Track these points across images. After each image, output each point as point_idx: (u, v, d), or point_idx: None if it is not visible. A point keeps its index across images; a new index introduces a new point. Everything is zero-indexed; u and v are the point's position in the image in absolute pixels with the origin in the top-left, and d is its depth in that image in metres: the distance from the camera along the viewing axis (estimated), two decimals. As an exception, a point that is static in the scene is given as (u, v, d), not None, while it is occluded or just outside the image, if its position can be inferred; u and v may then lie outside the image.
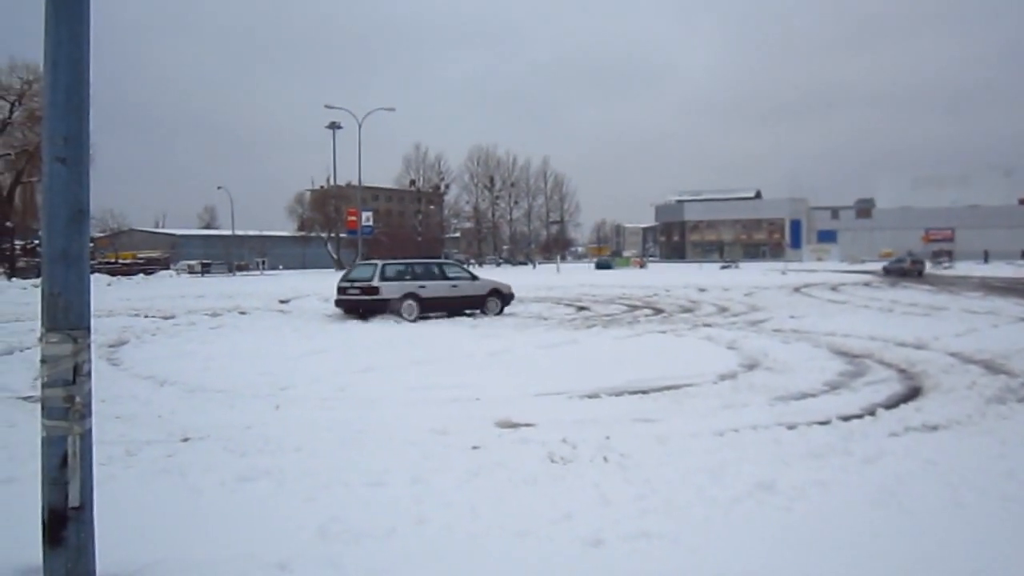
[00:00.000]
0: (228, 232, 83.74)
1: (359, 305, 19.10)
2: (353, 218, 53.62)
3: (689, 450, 6.06)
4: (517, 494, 5.02)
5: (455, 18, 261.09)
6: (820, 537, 4.21)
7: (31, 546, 3.51)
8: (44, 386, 3.40)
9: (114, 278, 48.67)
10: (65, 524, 3.40)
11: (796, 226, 73.65)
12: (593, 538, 4.15)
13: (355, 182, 56.69)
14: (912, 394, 8.60)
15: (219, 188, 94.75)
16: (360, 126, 49.64)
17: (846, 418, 7.23)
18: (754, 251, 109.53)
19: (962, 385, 8.94)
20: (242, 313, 21.31)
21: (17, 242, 56.51)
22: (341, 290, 19.65)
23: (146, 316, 20.31)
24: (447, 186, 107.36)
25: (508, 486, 5.18)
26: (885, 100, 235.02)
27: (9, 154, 51.55)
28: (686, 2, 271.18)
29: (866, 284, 35.80)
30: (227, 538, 4.16)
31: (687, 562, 3.87)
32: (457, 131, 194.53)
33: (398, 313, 18.47)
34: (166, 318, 19.43)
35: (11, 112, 50.58)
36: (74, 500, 3.40)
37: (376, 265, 19.91)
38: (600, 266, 77.04)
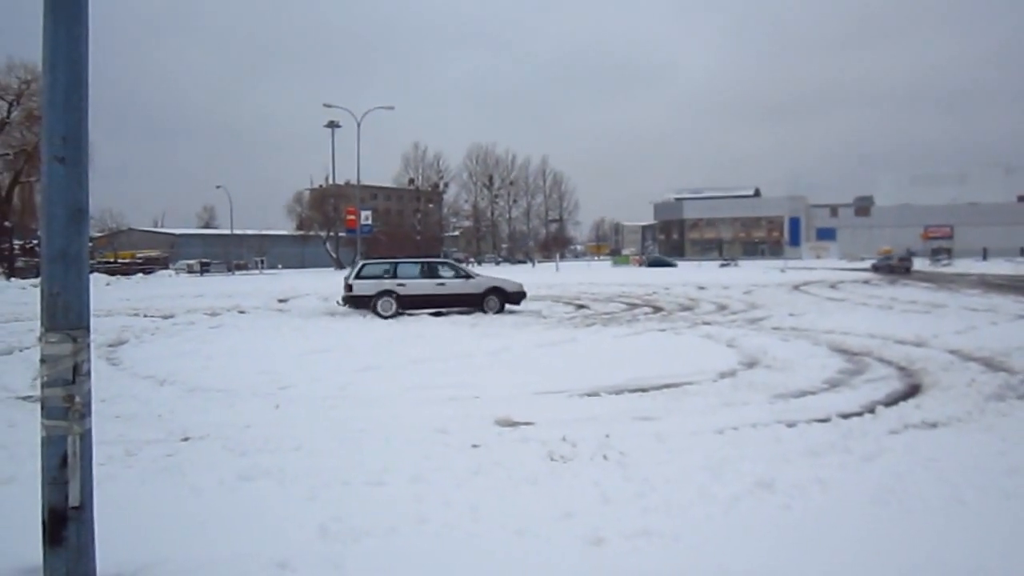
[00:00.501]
0: (227, 231, 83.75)
1: (343, 301, 20.55)
2: (352, 217, 53.55)
3: (689, 448, 6.07)
4: (517, 493, 5.02)
5: (454, 17, 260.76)
6: (820, 535, 4.21)
7: (31, 546, 3.51)
8: (44, 386, 3.40)
9: (113, 278, 48.64)
10: (65, 524, 3.39)
11: (795, 224, 73.66)
12: (593, 536, 4.15)
13: (354, 181, 56.75)
14: (912, 392, 8.60)
15: (218, 187, 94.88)
16: (359, 125, 49.64)
17: (846, 416, 7.23)
18: (753, 249, 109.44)
19: (962, 382, 8.94)
20: (241, 312, 21.30)
21: (16, 242, 56.51)
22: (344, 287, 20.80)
23: (145, 315, 20.30)
24: (446, 185, 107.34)
25: (508, 485, 5.18)
26: (884, 98, 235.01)
27: (8, 154, 51.52)
28: (686, 1, 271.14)
29: (865, 282, 35.82)
30: (227, 537, 4.16)
31: (687, 560, 3.87)
32: (456, 130, 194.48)
33: (374, 309, 19.62)
34: (165, 317, 19.43)
35: (9, 112, 50.52)
36: (74, 500, 3.39)
37: (358, 265, 21.35)
38: (654, 264, 72.79)
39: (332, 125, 69.16)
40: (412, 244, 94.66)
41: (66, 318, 3.37)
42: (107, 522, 3.65)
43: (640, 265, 76.93)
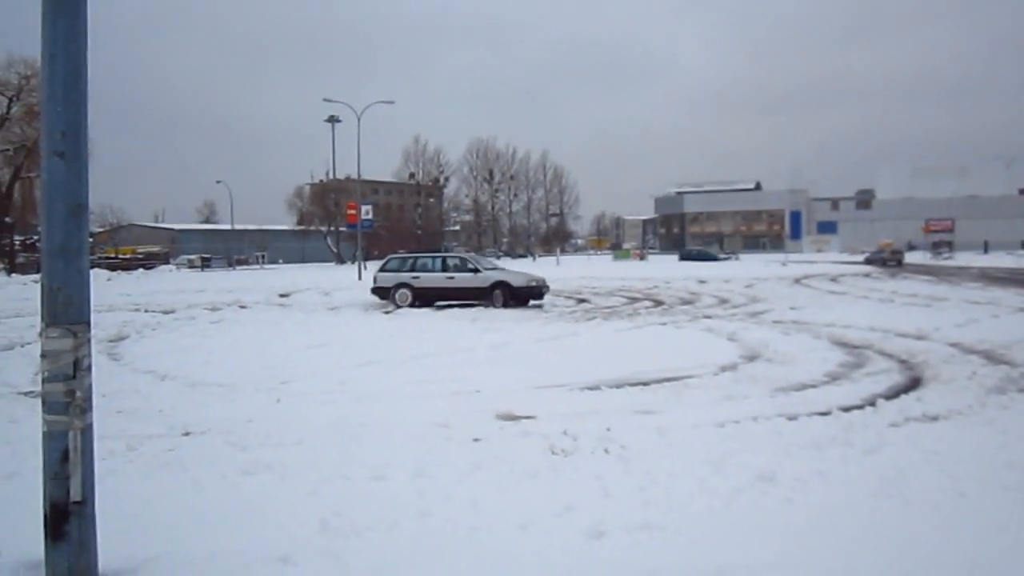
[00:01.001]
0: (227, 226, 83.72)
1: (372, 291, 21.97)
2: (352, 212, 53.43)
3: (690, 442, 6.07)
4: (518, 486, 5.02)
5: (454, 11, 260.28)
6: (821, 528, 4.21)
7: (33, 541, 3.51)
8: (45, 381, 3.40)
9: (114, 273, 48.73)
10: (67, 519, 3.40)
11: (796, 217, 73.53)
12: (594, 530, 4.15)
13: (354, 176, 56.62)
14: (913, 384, 8.60)
15: (218, 182, 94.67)
16: (359, 119, 49.56)
17: (847, 409, 7.23)
18: (754, 243, 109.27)
19: (963, 375, 8.94)
20: (242, 307, 21.32)
21: (16, 238, 56.50)
22: None
23: (146, 311, 20.32)
24: (446, 179, 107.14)
25: (509, 478, 5.18)
26: (885, 91, 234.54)
27: (8, 149, 51.47)
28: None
29: (866, 275, 35.81)
30: (229, 532, 4.16)
31: (688, 554, 3.87)
32: (456, 124, 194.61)
33: (393, 300, 20.84)
34: (166, 313, 19.45)
35: (9, 107, 50.47)
36: (75, 495, 3.40)
37: (385, 259, 23.28)
38: (685, 257, 68.83)
39: (332, 120, 68.87)
40: (413, 238, 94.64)
41: (67, 313, 3.38)
42: (108, 517, 3.66)
43: (641, 259, 76.81)
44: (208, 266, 70.21)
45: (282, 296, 26.17)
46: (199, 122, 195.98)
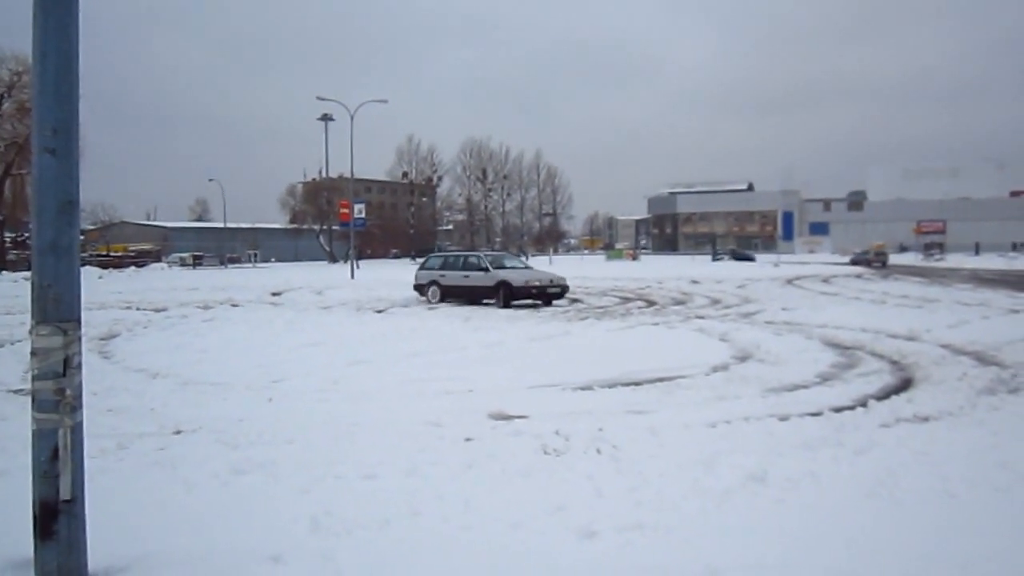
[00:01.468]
0: (220, 225, 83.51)
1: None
2: (345, 210, 53.37)
3: (682, 442, 6.07)
4: (511, 486, 5.02)
5: (449, 10, 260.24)
6: (813, 528, 4.22)
7: (22, 540, 3.49)
8: (34, 379, 3.39)
9: (105, 271, 48.57)
10: (56, 517, 3.38)
11: (788, 218, 73.65)
12: (586, 530, 4.15)
13: (347, 174, 56.52)
14: (904, 385, 8.63)
15: (211, 180, 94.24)
16: (352, 118, 49.43)
17: (838, 409, 7.25)
18: (746, 243, 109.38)
19: (953, 376, 8.98)
20: (234, 306, 21.26)
21: (7, 235, 56.23)
22: None
23: (138, 309, 20.25)
24: (440, 178, 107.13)
25: (502, 478, 5.18)
26: (877, 93, 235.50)
27: (-1, 146, 51.20)
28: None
29: (857, 276, 35.94)
30: (220, 531, 4.15)
31: (680, 553, 3.87)
32: (450, 124, 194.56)
33: (427, 296, 22.34)
34: (158, 311, 19.38)
35: (0, 103, 50.20)
36: (65, 493, 3.38)
37: (426, 258, 25.46)
38: (718, 256, 67.73)
39: (325, 118, 68.85)
40: (406, 238, 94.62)
41: (57, 311, 3.36)
42: (98, 516, 3.65)
43: (634, 259, 76.78)
44: (200, 264, 70.02)
45: (274, 295, 26.12)
46: (192, 119, 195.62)
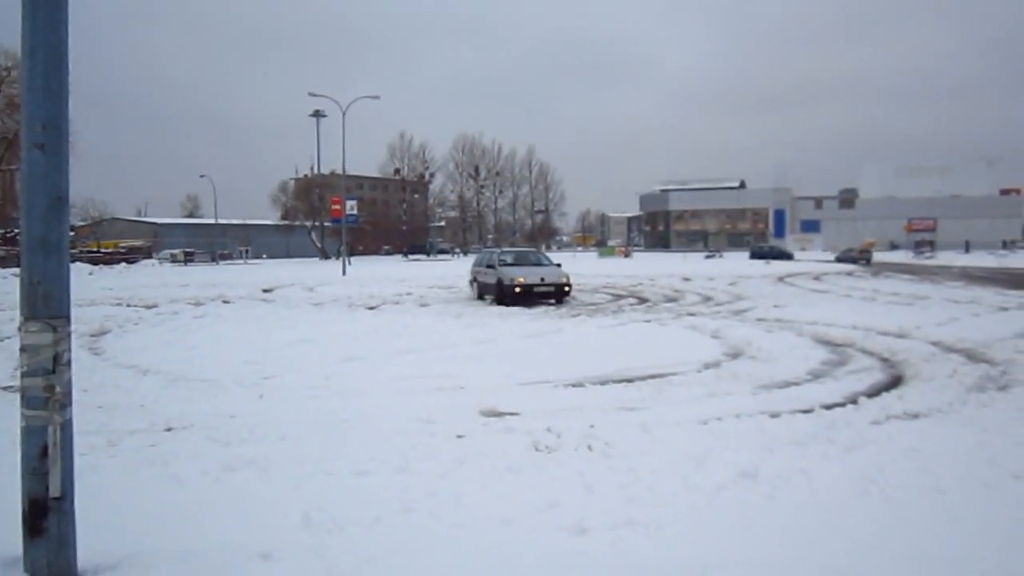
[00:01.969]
0: (211, 221, 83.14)
1: None
2: (337, 207, 53.25)
3: (673, 438, 6.09)
4: (502, 483, 5.02)
5: (441, 8, 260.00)
6: (803, 525, 4.24)
7: (11, 537, 3.48)
8: (24, 375, 3.37)
9: (96, 267, 48.31)
10: (45, 514, 3.38)
11: (780, 216, 73.98)
12: (577, 526, 4.16)
13: (339, 171, 56.43)
14: (894, 383, 8.66)
15: (202, 176, 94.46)
16: (344, 114, 49.31)
17: (829, 406, 7.28)
18: (738, 241, 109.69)
19: (943, 374, 9.02)
20: (226, 302, 21.20)
21: (-3, 231, 55.92)
22: None
23: (128, 305, 20.16)
24: (432, 175, 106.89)
25: (493, 475, 5.18)
26: (870, 91, 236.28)
27: (-12, 141, 50.88)
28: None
29: (848, 274, 36.06)
30: (211, 528, 4.14)
31: (671, 550, 3.88)
32: (442, 120, 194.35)
33: (473, 291, 22.91)
34: (149, 307, 19.31)
35: (-11, 99, 49.87)
36: (54, 490, 3.37)
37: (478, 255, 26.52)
38: (757, 255, 64.67)
39: (317, 114, 68.77)
40: (398, 234, 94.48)
41: (46, 307, 3.35)
42: (88, 513, 3.64)
43: (626, 256, 76.78)
44: (191, 261, 69.74)
45: (266, 291, 26.05)
46: (183, 115, 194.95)
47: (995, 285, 25.94)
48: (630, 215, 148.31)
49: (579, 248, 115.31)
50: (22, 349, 3.36)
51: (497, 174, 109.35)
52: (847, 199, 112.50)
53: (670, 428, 6.44)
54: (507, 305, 19.33)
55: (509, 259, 22.31)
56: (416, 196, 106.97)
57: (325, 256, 79.15)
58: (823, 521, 4.29)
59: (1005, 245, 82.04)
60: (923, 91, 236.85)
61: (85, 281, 31.36)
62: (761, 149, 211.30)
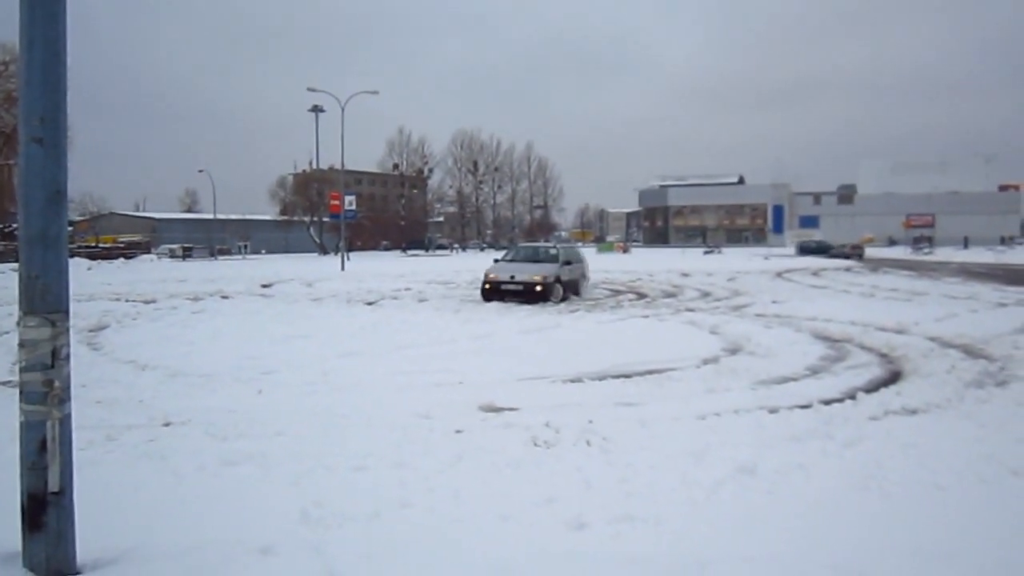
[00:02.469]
0: (210, 216, 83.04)
1: None
2: (336, 202, 53.19)
3: (672, 434, 6.09)
4: (500, 478, 5.03)
5: (440, 3, 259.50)
6: (801, 520, 4.25)
7: (10, 532, 3.48)
8: (22, 370, 3.37)
9: (94, 262, 48.27)
10: (44, 509, 3.37)
11: (778, 212, 73.88)
12: (576, 521, 4.17)
13: (338, 166, 56.39)
14: (892, 378, 8.67)
15: (201, 171, 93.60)
16: (343, 109, 49.25)
17: (827, 402, 7.29)
18: (737, 236, 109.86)
19: (941, 369, 9.03)
20: (224, 297, 21.17)
21: (-5, 225, 55.85)
22: None
23: (127, 300, 20.14)
24: (431, 170, 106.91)
25: (491, 470, 5.18)
26: (868, 87, 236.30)
27: (-15, 136, 50.79)
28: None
29: (847, 269, 36.08)
30: (210, 523, 4.14)
31: (670, 545, 3.89)
32: (441, 115, 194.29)
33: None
34: (147, 302, 19.29)
35: (-13, 93, 49.78)
36: (53, 485, 3.37)
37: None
38: (805, 250, 62.94)
39: (316, 109, 68.76)
40: (396, 229, 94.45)
41: (45, 302, 3.34)
42: (87, 508, 3.63)
43: (624, 251, 76.69)
44: (190, 256, 69.68)
45: (264, 286, 26.02)
46: (181, 110, 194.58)
47: (993, 281, 25.96)
48: (629, 211, 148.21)
49: (578, 244, 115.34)
50: (21, 344, 3.36)
51: (496, 169, 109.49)
52: (846, 195, 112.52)
53: (669, 423, 6.45)
54: (487, 301, 19.00)
55: (512, 254, 22.13)
56: (415, 191, 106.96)
57: (324, 251, 79.14)
58: (821, 517, 4.29)
59: (1003, 241, 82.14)
60: (921, 87, 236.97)
61: (84, 276, 31.34)
62: (760, 145, 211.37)
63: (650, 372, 8.97)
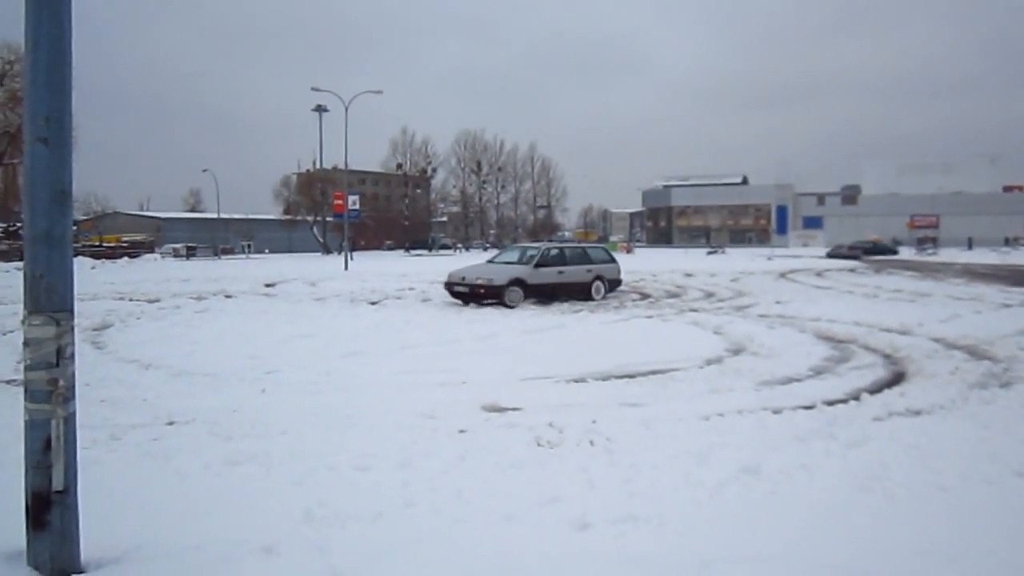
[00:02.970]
0: (214, 215, 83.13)
1: None
2: (339, 202, 53.13)
3: (675, 434, 6.09)
4: (504, 478, 5.03)
5: (442, 3, 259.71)
6: (805, 521, 4.24)
7: (15, 530, 3.49)
8: (27, 369, 3.38)
9: (98, 261, 48.35)
10: (49, 508, 3.38)
11: (782, 212, 73.49)
12: (580, 521, 4.17)
13: (342, 165, 56.40)
14: (896, 379, 8.66)
15: (204, 171, 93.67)
16: (347, 109, 49.22)
17: (831, 403, 7.28)
18: (740, 237, 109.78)
19: (945, 370, 9.01)
20: (228, 297, 21.19)
21: (-1, 224, 55.99)
22: None
23: (131, 299, 20.16)
24: (434, 170, 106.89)
25: (495, 470, 5.18)
26: (872, 87, 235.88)
27: (-10, 135, 50.87)
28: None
29: (851, 270, 36.01)
30: (213, 522, 4.15)
31: (673, 545, 3.88)
32: (444, 115, 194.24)
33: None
34: (151, 301, 19.31)
35: (-8, 93, 49.87)
36: (58, 484, 3.38)
37: None
38: (877, 251, 62.82)
39: (320, 109, 68.65)
40: (400, 229, 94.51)
41: (49, 300, 3.35)
42: (91, 506, 3.64)
43: (628, 252, 76.54)
44: (194, 255, 69.72)
45: (268, 286, 26.03)
46: (186, 110, 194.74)
47: (998, 282, 25.90)
48: (632, 211, 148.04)
49: (581, 243, 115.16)
50: (25, 343, 3.36)
51: (499, 169, 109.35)
52: (850, 195, 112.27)
53: (672, 424, 6.44)
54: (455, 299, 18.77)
55: (497, 255, 21.50)
56: (418, 191, 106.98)
57: (327, 251, 79.13)
58: (825, 517, 4.29)
59: (1008, 242, 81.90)
60: (926, 88, 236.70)
61: (88, 275, 31.38)
62: (763, 145, 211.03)
63: (654, 372, 8.97)
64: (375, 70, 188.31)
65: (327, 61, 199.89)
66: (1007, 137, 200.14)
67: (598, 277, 20.02)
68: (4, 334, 12.56)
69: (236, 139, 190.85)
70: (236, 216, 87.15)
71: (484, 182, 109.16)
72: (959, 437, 5.99)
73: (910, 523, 4.19)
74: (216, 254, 72.98)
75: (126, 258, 58.53)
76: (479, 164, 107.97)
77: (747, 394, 7.81)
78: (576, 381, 8.53)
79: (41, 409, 3.35)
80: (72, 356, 3.45)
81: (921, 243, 73.20)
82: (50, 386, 3.34)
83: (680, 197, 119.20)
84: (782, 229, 74.28)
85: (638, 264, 42.65)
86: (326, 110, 67.53)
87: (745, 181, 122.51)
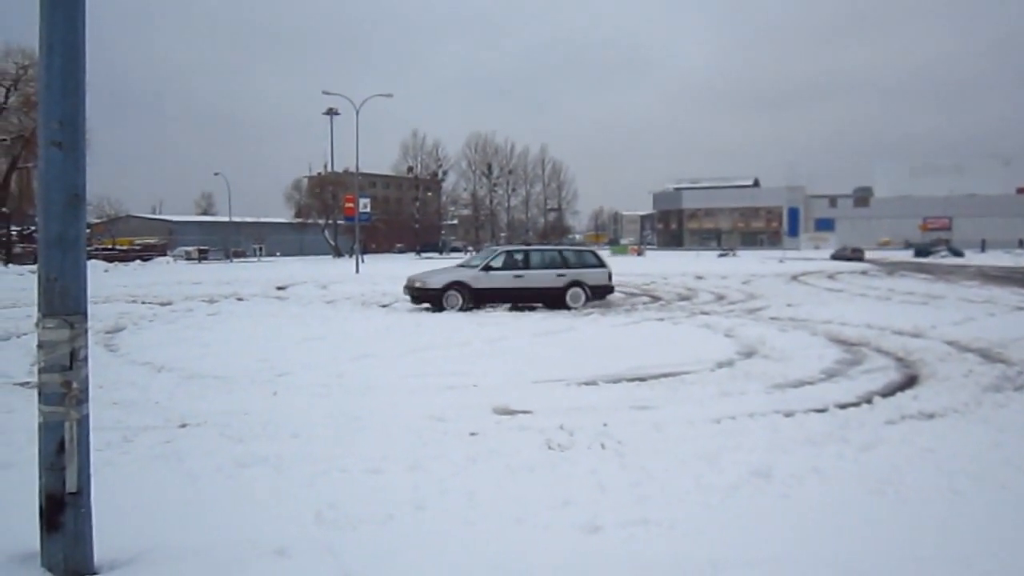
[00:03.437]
0: (225, 219, 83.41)
1: None
2: (351, 205, 53.20)
3: (686, 437, 6.07)
4: (515, 481, 5.02)
5: (453, 6, 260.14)
6: (817, 524, 4.22)
7: (29, 532, 3.51)
8: (41, 371, 3.40)
9: (111, 264, 48.59)
10: (62, 509, 3.40)
11: (794, 214, 73.21)
12: (590, 524, 4.16)
13: (352, 169, 56.49)
14: (909, 382, 8.61)
15: (216, 174, 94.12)
16: (358, 112, 49.30)
17: (843, 406, 7.24)
18: (752, 239, 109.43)
19: (959, 373, 8.95)
20: (239, 299, 21.28)
21: (13, 228, 56.34)
22: None
23: (143, 302, 20.28)
24: (445, 173, 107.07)
25: (506, 473, 5.18)
26: (884, 89, 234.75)
27: (5, 140, 51.19)
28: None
29: (863, 272, 35.84)
30: (225, 524, 4.16)
31: (684, 548, 3.87)
32: (455, 118, 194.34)
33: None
34: (163, 304, 19.41)
35: (7, 97, 50.20)
36: (71, 486, 3.40)
37: None
38: (919, 253, 65.06)
39: (331, 112, 68.95)
40: (411, 232, 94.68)
41: (63, 303, 3.37)
42: (104, 508, 3.66)
43: (639, 254, 76.47)
44: (205, 258, 70.02)
45: (279, 289, 26.13)
46: (197, 114, 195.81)
47: (1011, 284, 25.72)
48: (643, 213, 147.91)
49: (593, 246, 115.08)
50: (39, 345, 3.39)
51: (510, 172, 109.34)
52: (862, 198, 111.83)
53: (683, 427, 6.43)
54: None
55: (475, 259, 20.75)
56: (429, 194, 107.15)
57: (338, 254, 79.31)
58: (837, 521, 4.26)
59: (1022, 244, 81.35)
60: (939, 89, 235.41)
61: (101, 278, 31.56)
62: (775, 147, 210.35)
63: (664, 375, 8.95)
64: (385, 73, 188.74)
65: (337, 64, 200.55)
66: (1021, 139, 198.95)
67: (575, 283, 18.62)
68: (18, 336, 12.65)
69: (248, 143, 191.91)
70: (248, 219, 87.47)
71: (495, 185, 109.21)
72: (972, 441, 5.95)
73: (923, 527, 4.16)
74: (228, 257, 73.25)
75: (139, 261, 58.85)
76: (490, 167, 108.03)
77: (759, 397, 7.79)
78: (587, 384, 8.52)
79: (55, 411, 3.37)
80: (85, 359, 3.46)
81: (933, 245, 72.76)
82: (64, 388, 3.36)
83: (691, 199, 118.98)
84: (794, 231, 74.05)
85: (649, 267, 42.60)
86: (337, 113, 67.84)
87: (756, 183, 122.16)
